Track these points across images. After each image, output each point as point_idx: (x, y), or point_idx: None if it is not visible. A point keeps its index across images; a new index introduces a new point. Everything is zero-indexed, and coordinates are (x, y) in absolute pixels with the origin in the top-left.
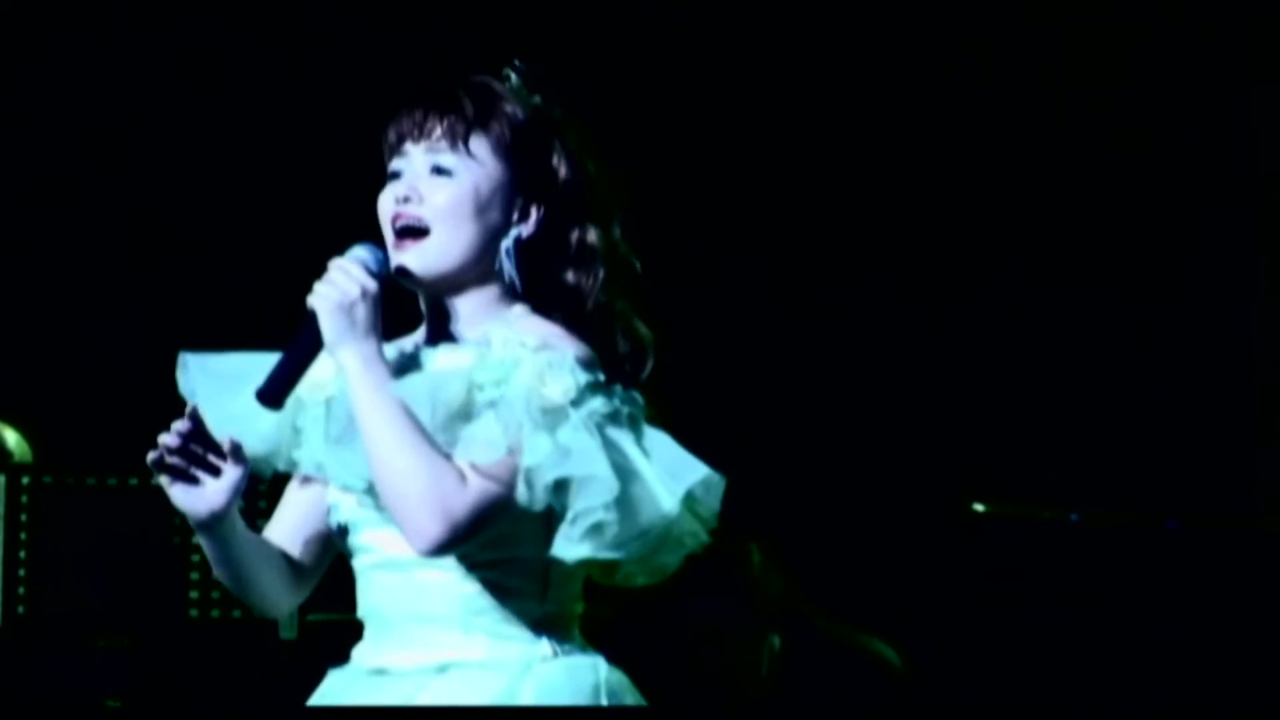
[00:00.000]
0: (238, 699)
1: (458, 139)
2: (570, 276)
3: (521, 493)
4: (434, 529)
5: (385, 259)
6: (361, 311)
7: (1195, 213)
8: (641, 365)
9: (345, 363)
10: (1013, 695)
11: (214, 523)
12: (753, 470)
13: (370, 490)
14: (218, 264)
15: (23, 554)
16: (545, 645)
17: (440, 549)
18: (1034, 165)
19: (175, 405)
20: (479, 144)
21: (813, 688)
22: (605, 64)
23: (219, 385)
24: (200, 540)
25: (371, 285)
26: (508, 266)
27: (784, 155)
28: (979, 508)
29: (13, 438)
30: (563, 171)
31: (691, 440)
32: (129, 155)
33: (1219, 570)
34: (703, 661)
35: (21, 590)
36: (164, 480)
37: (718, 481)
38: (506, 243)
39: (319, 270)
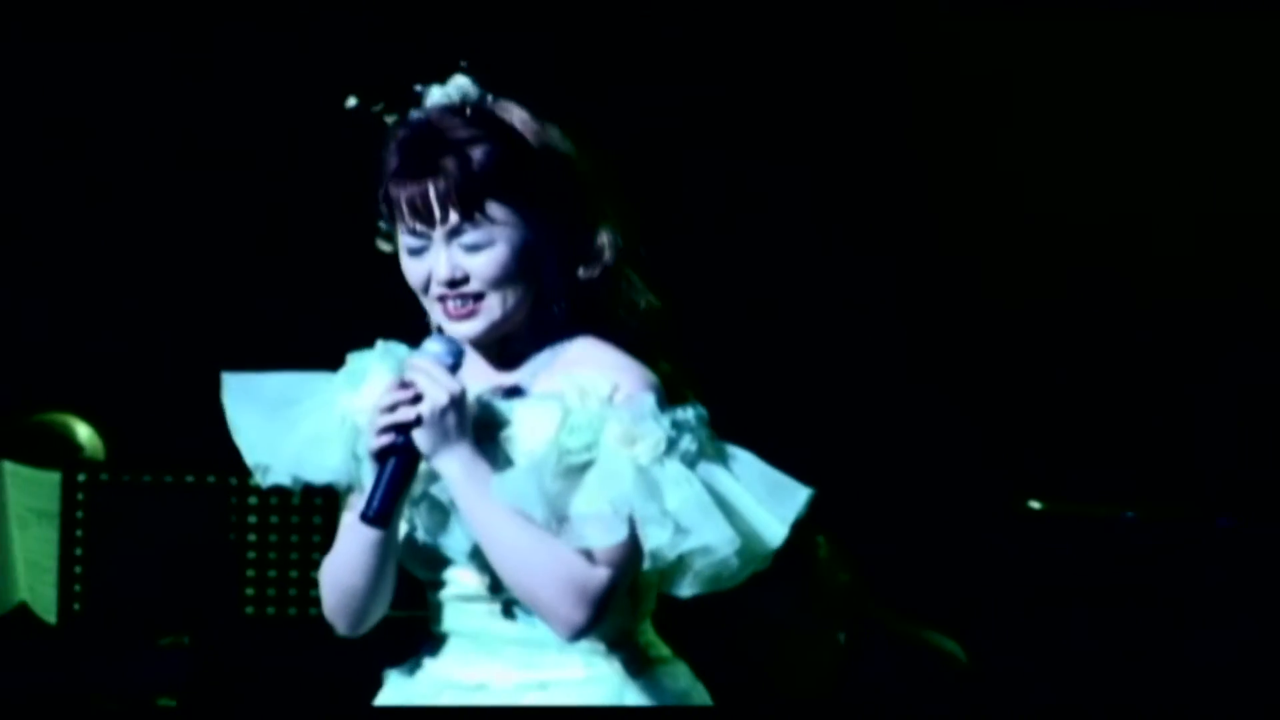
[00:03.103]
0: (293, 696)
1: (469, 211)
2: (586, 274)
3: (646, 565)
4: (578, 617)
5: (458, 348)
6: (453, 418)
7: None
8: (656, 339)
9: (446, 470)
10: (1067, 691)
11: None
12: (814, 467)
13: (470, 556)
14: (285, 267)
15: (79, 551)
16: (639, 656)
17: (585, 632)
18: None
19: None
20: (491, 206)
21: (877, 682)
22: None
23: (265, 410)
24: (365, 541)
25: (458, 388)
26: (556, 294)
27: (831, 139)
28: (1035, 505)
29: (85, 433)
30: (557, 179)
31: (756, 440)
32: (199, 155)
33: (1272, 567)
34: (767, 656)
35: (78, 588)
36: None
37: (809, 496)
38: (550, 272)
39: (383, 271)
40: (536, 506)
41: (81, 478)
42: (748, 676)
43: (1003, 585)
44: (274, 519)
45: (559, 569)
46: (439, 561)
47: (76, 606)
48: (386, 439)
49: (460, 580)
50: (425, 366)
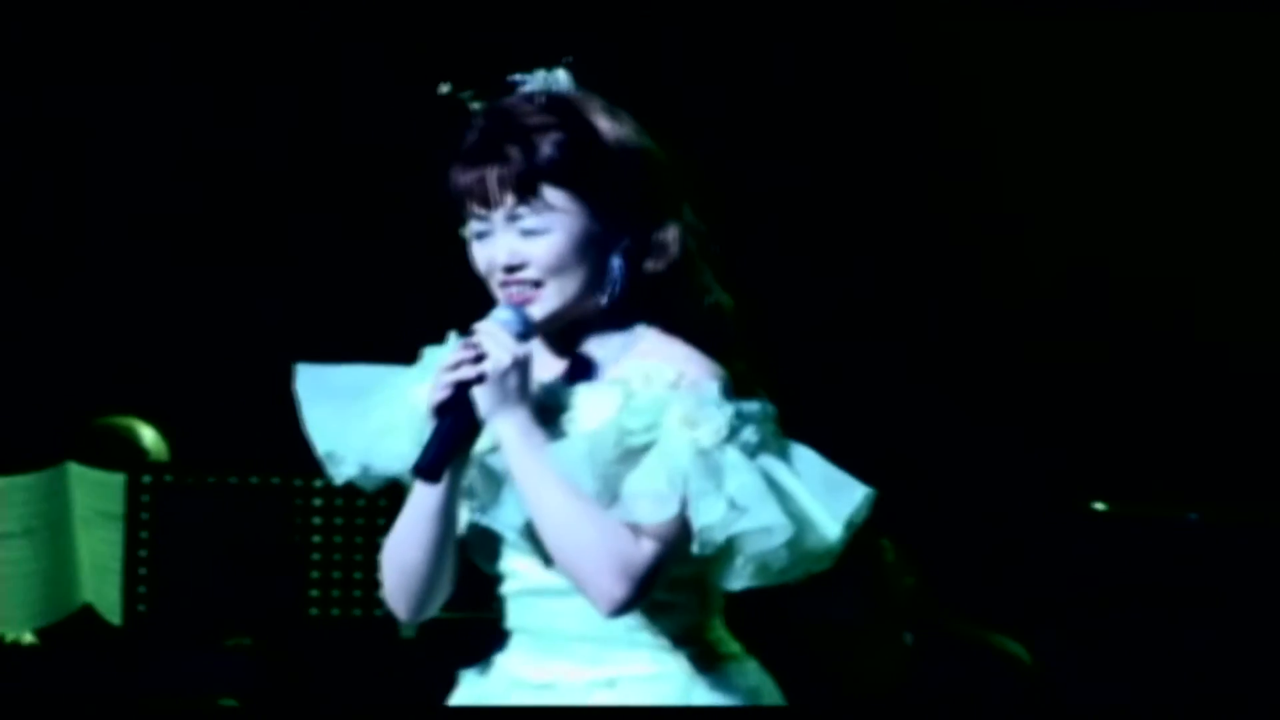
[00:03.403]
0: (357, 697)
1: (529, 197)
2: (655, 267)
3: (695, 547)
4: (619, 591)
5: (528, 320)
6: (514, 380)
7: None
8: (730, 332)
9: (501, 432)
10: (1131, 693)
11: (460, 470)
12: (878, 470)
13: (521, 533)
14: (347, 268)
15: (144, 553)
16: (708, 652)
17: (625, 609)
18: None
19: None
20: (550, 191)
21: (943, 685)
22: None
23: (336, 399)
24: (422, 511)
25: (522, 351)
26: (616, 286)
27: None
28: (1099, 506)
29: (150, 436)
30: (627, 172)
31: (818, 443)
32: (257, 160)
33: None
34: (833, 657)
35: (143, 589)
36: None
37: (870, 496)
38: (615, 263)
39: (445, 270)
40: (588, 477)
41: (146, 479)
42: (815, 678)
43: (1066, 587)
44: (338, 520)
45: (604, 540)
46: (497, 545)
47: (141, 608)
48: (447, 394)
49: (523, 573)
50: (492, 330)
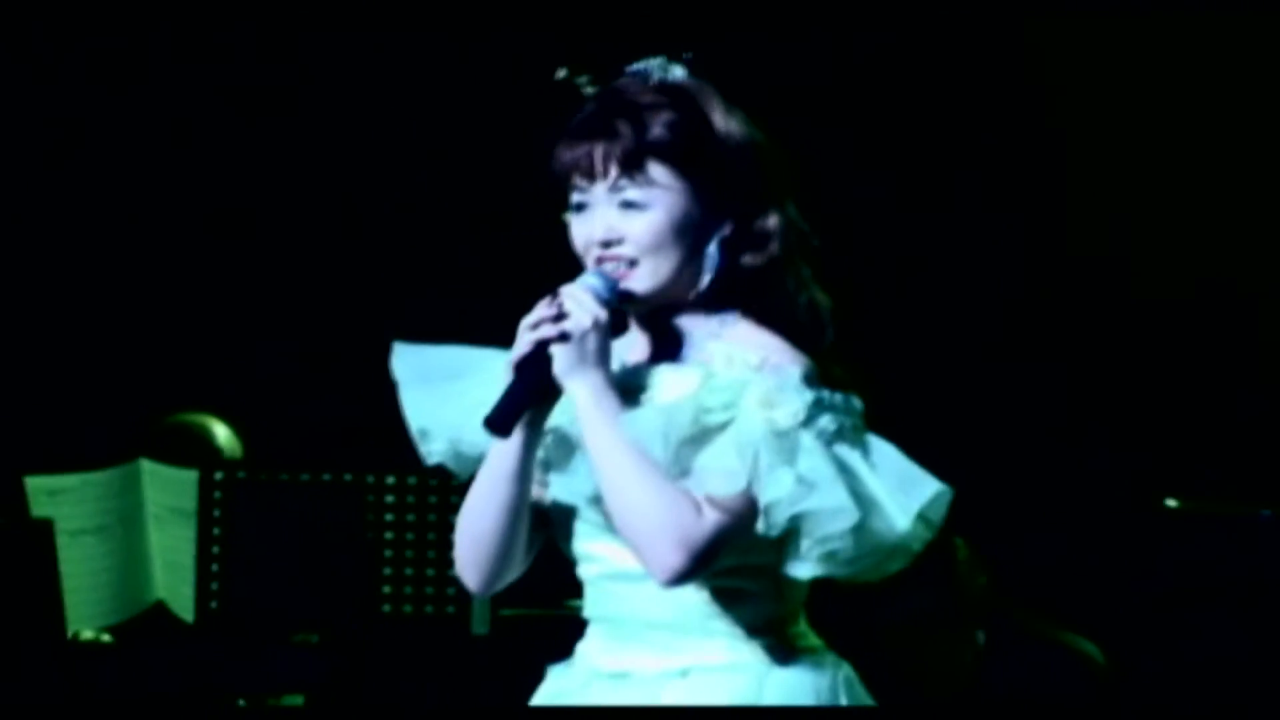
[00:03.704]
0: (429, 695)
1: (634, 171)
2: (753, 260)
3: (760, 525)
4: (675, 560)
5: (615, 287)
6: (593, 342)
7: None
8: (825, 332)
9: (576, 393)
10: (1205, 692)
11: (536, 435)
12: (951, 469)
13: (594, 507)
14: (423, 265)
15: (216, 550)
16: (784, 644)
17: (681, 579)
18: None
19: (369, 404)
20: (655, 168)
21: (1016, 684)
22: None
23: (432, 378)
24: (495, 475)
25: (603, 315)
26: (711, 274)
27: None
28: (1172, 504)
29: (224, 433)
30: (732, 155)
31: (896, 440)
32: (329, 156)
33: None
34: (906, 656)
35: (215, 586)
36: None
37: (946, 493)
38: (712, 249)
39: (521, 270)
40: (659, 448)
41: (218, 476)
42: (888, 677)
43: (1140, 585)
44: (409, 517)
45: (666, 508)
46: (577, 525)
47: (214, 605)
48: (525, 349)
49: (603, 556)
50: (576, 293)
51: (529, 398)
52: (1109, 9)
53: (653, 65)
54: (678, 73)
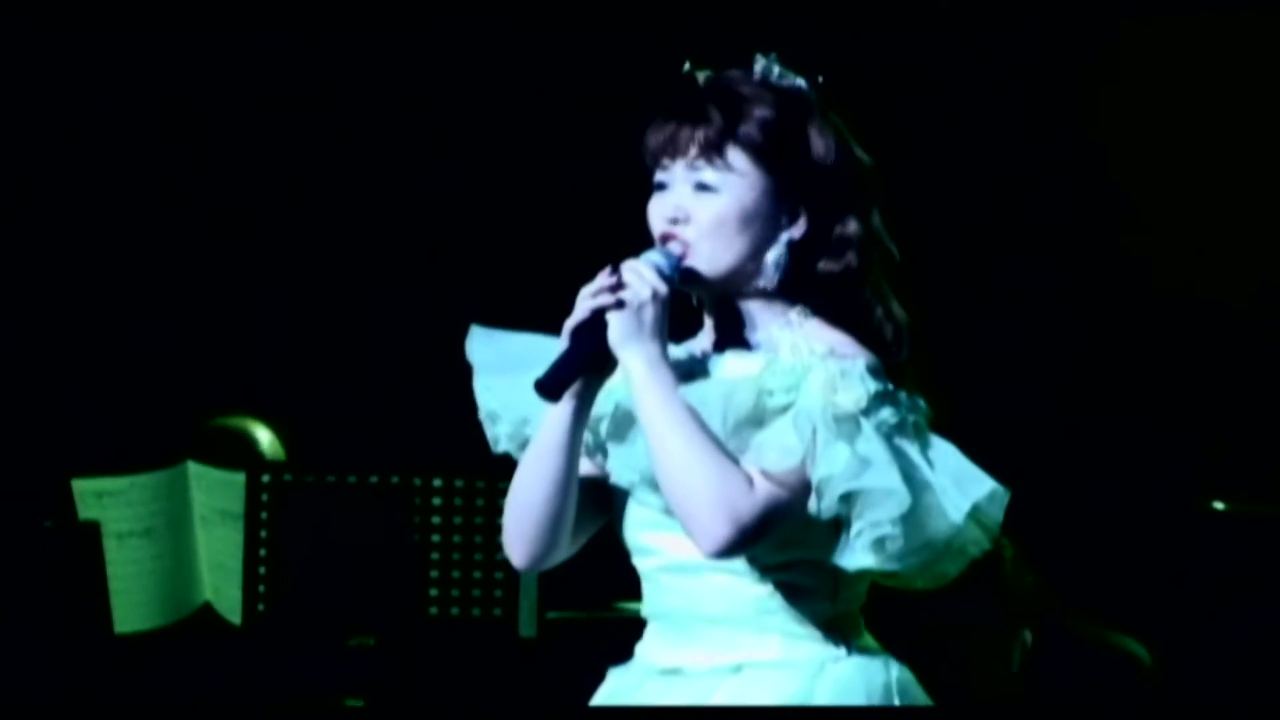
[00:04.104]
0: (478, 697)
1: (714, 154)
2: (829, 267)
3: (812, 502)
4: (721, 531)
5: (678, 265)
6: (650, 313)
7: None
8: (900, 348)
9: (629, 363)
10: (1252, 693)
11: (586, 408)
12: (999, 470)
13: (651, 490)
14: (468, 266)
15: (263, 552)
16: (838, 644)
17: (726, 552)
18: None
19: (416, 407)
20: (736, 156)
21: (1063, 685)
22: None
23: (504, 361)
24: (544, 446)
25: (662, 288)
26: (775, 272)
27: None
28: (1219, 506)
29: (266, 437)
30: (822, 164)
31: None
32: (373, 157)
33: None
34: (954, 657)
35: (262, 588)
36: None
37: (1002, 493)
38: (778, 248)
39: (576, 269)
40: (716, 420)
41: (266, 478)
42: (935, 676)
43: (1186, 586)
44: (458, 519)
45: (717, 479)
46: (637, 513)
47: (261, 607)
48: (582, 316)
49: (662, 548)
50: (638, 266)
51: (582, 364)
52: (1146, 9)
53: (769, 64)
54: (793, 79)
